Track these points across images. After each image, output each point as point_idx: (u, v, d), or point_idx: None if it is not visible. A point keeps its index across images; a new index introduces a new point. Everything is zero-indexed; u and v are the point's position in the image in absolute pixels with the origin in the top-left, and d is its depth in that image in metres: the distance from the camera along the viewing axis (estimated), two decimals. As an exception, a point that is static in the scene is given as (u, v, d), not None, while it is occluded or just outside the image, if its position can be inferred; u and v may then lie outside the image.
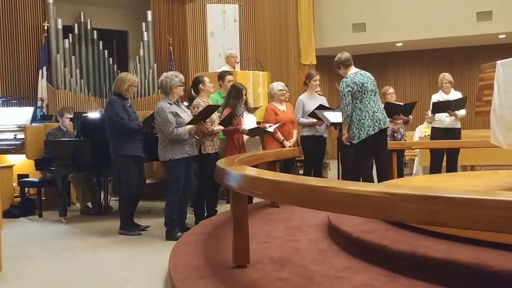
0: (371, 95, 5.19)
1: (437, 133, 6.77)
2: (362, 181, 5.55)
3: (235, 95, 5.51)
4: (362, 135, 5.12)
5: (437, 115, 6.66)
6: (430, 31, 11.72)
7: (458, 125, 6.73)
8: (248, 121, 5.74)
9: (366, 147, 5.21)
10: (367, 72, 5.33)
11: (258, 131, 5.76)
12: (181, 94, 4.99)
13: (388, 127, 5.45)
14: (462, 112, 6.61)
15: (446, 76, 6.80)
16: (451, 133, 6.66)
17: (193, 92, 5.41)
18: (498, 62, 3.94)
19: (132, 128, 4.98)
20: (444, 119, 6.67)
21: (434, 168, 6.71)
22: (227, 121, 5.31)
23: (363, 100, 5.14)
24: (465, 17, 11.36)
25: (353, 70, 5.28)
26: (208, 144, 5.17)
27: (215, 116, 5.23)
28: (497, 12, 11.18)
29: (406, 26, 11.84)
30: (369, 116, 5.13)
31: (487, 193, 1.77)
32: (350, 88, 5.12)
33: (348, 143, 5.31)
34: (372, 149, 5.28)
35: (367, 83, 5.19)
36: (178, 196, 4.86)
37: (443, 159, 6.73)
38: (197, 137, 5.03)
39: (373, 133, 5.13)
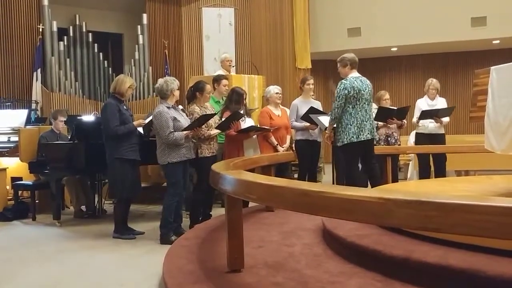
0: (364, 103, 5.19)
1: (421, 138, 6.80)
2: (352, 182, 5.58)
3: (236, 99, 5.48)
4: (345, 140, 5.15)
5: (421, 121, 6.70)
6: (425, 36, 11.77)
7: (442, 131, 6.77)
8: (248, 125, 5.71)
9: (351, 152, 5.23)
10: (367, 80, 5.32)
11: (252, 129, 5.66)
12: (178, 98, 5.02)
13: (374, 138, 5.46)
14: (446, 119, 6.67)
15: (434, 83, 6.82)
16: (436, 138, 6.68)
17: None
18: (492, 68, 3.97)
19: (119, 134, 4.95)
20: (428, 125, 6.70)
21: (423, 173, 6.76)
22: (225, 125, 5.29)
23: (355, 106, 5.14)
24: (460, 22, 11.41)
25: (355, 74, 5.26)
26: (205, 148, 5.16)
27: (212, 121, 5.22)
28: (492, 18, 11.24)
29: (401, 31, 11.88)
30: (357, 123, 5.13)
31: (480, 199, 1.77)
32: (346, 92, 5.11)
33: (330, 143, 5.36)
34: (359, 156, 5.31)
35: (364, 91, 5.18)
36: (177, 199, 4.88)
37: (430, 164, 6.77)
38: (194, 141, 5.04)
39: (356, 141, 5.13)
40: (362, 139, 5.15)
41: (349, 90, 5.11)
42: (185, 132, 4.83)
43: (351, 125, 5.12)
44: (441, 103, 6.80)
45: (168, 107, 4.88)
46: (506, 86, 3.79)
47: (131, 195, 5.20)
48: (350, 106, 5.13)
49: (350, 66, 5.25)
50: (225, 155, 5.48)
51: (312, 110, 6.03)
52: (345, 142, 5.14)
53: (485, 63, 8.47)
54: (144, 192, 6.71)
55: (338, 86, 5.20)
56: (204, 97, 5.26)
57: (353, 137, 5.13)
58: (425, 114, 6.54)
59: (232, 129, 5.36)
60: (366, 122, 5.20)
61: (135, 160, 5.10)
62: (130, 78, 5.28)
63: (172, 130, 4.77)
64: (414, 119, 6.77)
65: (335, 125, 5.30)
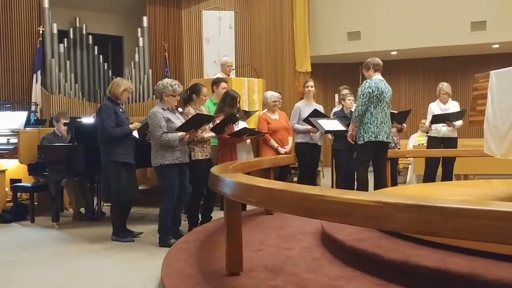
0: (384, 106, 5.34)
1: (434, 142, 6.79)
2: (356, 184, 5.61)
3: (230, 102, 5.46)
4: (366, 137, 5.26)
5: (433, 124, 6.69)
6: (425, 40, 11.79)
7: (455, 135, 6.75)
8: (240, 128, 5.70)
9: (367, 152, 5.31)
10: (389, 85, 5.48)
11: (244, 131, 5.65)
12: (173, 104, 4.95)
13: (390, 143, 5.57)
14: (459, 123, 6.65)
15: (445, 87, 6.81)
16: (448, 142, 6.68)
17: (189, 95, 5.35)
18: (492, 72, 3.98)
19: (114, 136, 4.94)
20: (440, 129, 6.69)
21: (429, 177, 6.73)
22: (220, 128, 5.27)
23: (377, 106, 5.28)
24: (460, 26, 11.44)
25: (379, 76, 5.40)
26: (198, 151, 5.11)
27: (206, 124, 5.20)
28: (491, 22, 11.26)
29: (401, 35, 11.90)
30: (377, 123, 5.26)
31: (479, 203, 1.77)
32: (371, 90, 5.25)
33: (353, 142, 5.41)
34: (372, 157, 5.36)
35: (386, 94, 5.34)
36: (172, 203, 4.84)
37: (438, 168, 6.75)
38: (190, 146, 5.02)
39: (374, 140, 5.24)
40: (379, 140, 5.26)
41: (373, 89, 5.25)
42: (179, 133, 4.79)
43: (371, 124, 5.25)
44: (453, 106, 6.78)
45: (164, 109, 4.85)
46: (506, 90, 3.80)
47: (126, 198, 5.15)
48: (372, 106, 5.27)
49: (373, 68, 5.40)
50: (218, 158, 5.46)
51: (316, 113, 6.03)
52: (365, 140, 5.26)
53: (485, 68, 8.46)
54: (144, 195, 6.71)
55: (362, 85, 5.35)
56: (200, 99, 5.24)
57: (371, 136, 5.25)
58: (436, 119, 6.53)
59: (226, 132, 5.34)
60: (385, 124, 5.33)
61: (130, 163, 5.08)
62: (127, 81, 5.27)
63: (166, 131, 4.74)
64: (427, 123, 6.78)
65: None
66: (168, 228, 4.82)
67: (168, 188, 4.82)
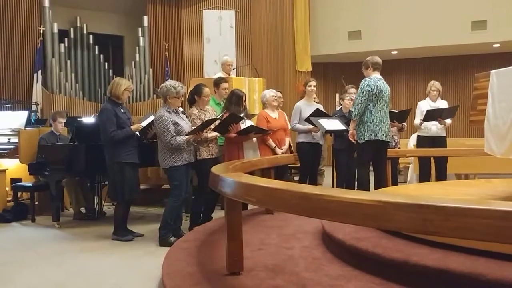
0: (383, 105, 5.34)
1: (423, 141, 6.79)
2: (357, 183, 5.61)
3: (236, 101, 5.48)
4: (366, 136, 5.27)
5: (424, 123, 6.68)
6: (425, 39, 11.79)
7: (444, 134, 6.77)
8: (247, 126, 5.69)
9: (367, 151, 5.32)
10: (387, 85, 5.47)
11: (251, 129, 5.65)
12: (177, 105, 4.99)
13: (389, 142, 5.57)
14: (448, 121, 6.67)
15: (436, 84, 6.83)
16: (437, 141, 6.68)
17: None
18: (492, 71, 3.97)
19: (116, 140, 4.95)
20: (430, 128, 6.69)
21: (423, 176, 6.75)
22: (223, 127, 5.28)
23: (376, 105, 5.28)
24: (460, 26, 11.44)
25: (377, 75, 5.39)
26: (204, 150, 5.15)
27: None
28: (492, 22, 11.26)
29: (402, 34, 11.90)
30: (376, 122, 5.27)
31: (479, 203, 1.77)
32: (370, 88, 5.24)
33: (354, 141, 5.41)
34: (372, 156, 5.36)
35: (385, 93, 5.35)
36: (180, 202, 4.90)
37: (431, 167, 6.76)
38: (194, 144, 5.05)
39: (374, 138, 5.24)
40: (378, 138, 5.27)
41: (372, 87, 5.25)
42: (187, 136, 4.85)
43: (371, 122, 5.26)
44: (443, 105, 6.78)
45: (169, 111, 4.88)
46: (506, 90, 3.80)
47: (131, 197, 5.20)
48: (371, 104, 5.27)
49: (372, 67, 5.40)
50: (225, 157, 5.47)
51: (319, 113, 6.02)
52: (366, 139, 5.27)
53: (485, 67, 8.47)
54: (144, 194, 6.70)
55: (361, 83, 5.34)
56: (202, 100, 5.27)
57: (371, 134, 5.27)
58: (429, 115, 6.52)
59: (232, 131, 5.35)
60: (384, 123, 5.34)
61: (134, 163, 5.10)
62: (126, 81, 5.26)
63: (174, 134, 4.78)
64: (417, 121, 6.76)
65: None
66: (170, 227, 4.84)
67: (177, 186, 4.88)
